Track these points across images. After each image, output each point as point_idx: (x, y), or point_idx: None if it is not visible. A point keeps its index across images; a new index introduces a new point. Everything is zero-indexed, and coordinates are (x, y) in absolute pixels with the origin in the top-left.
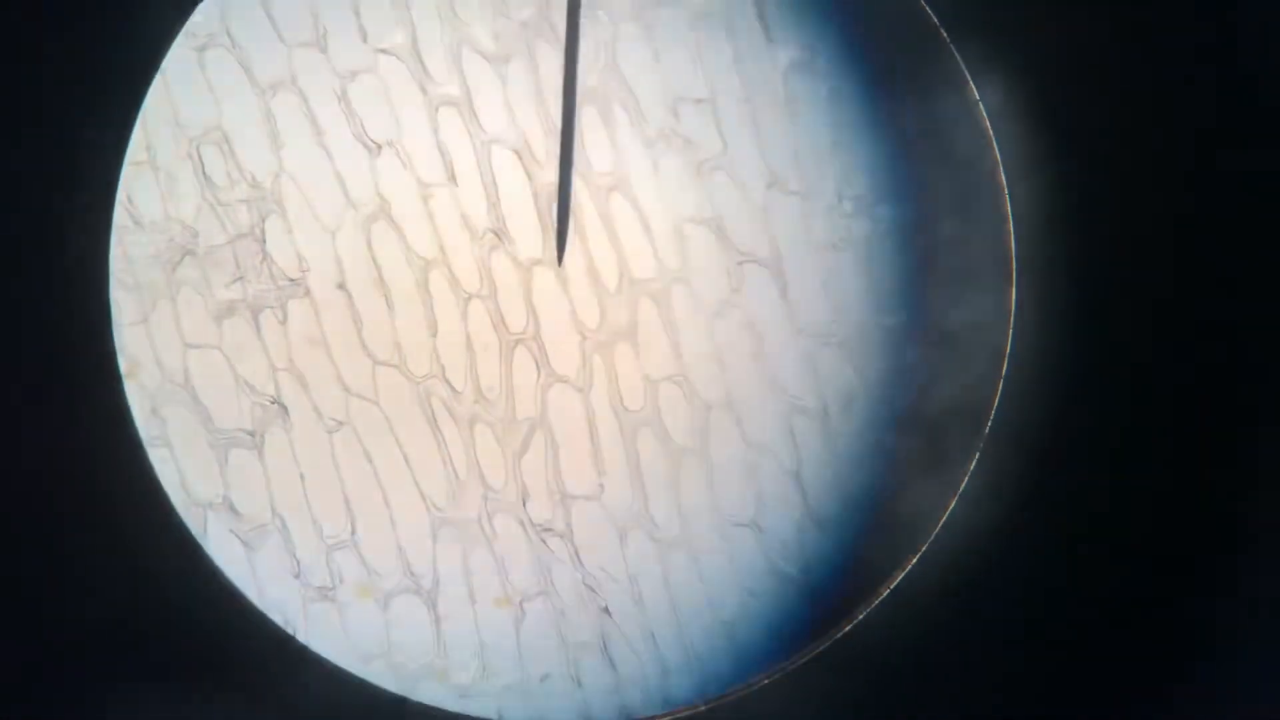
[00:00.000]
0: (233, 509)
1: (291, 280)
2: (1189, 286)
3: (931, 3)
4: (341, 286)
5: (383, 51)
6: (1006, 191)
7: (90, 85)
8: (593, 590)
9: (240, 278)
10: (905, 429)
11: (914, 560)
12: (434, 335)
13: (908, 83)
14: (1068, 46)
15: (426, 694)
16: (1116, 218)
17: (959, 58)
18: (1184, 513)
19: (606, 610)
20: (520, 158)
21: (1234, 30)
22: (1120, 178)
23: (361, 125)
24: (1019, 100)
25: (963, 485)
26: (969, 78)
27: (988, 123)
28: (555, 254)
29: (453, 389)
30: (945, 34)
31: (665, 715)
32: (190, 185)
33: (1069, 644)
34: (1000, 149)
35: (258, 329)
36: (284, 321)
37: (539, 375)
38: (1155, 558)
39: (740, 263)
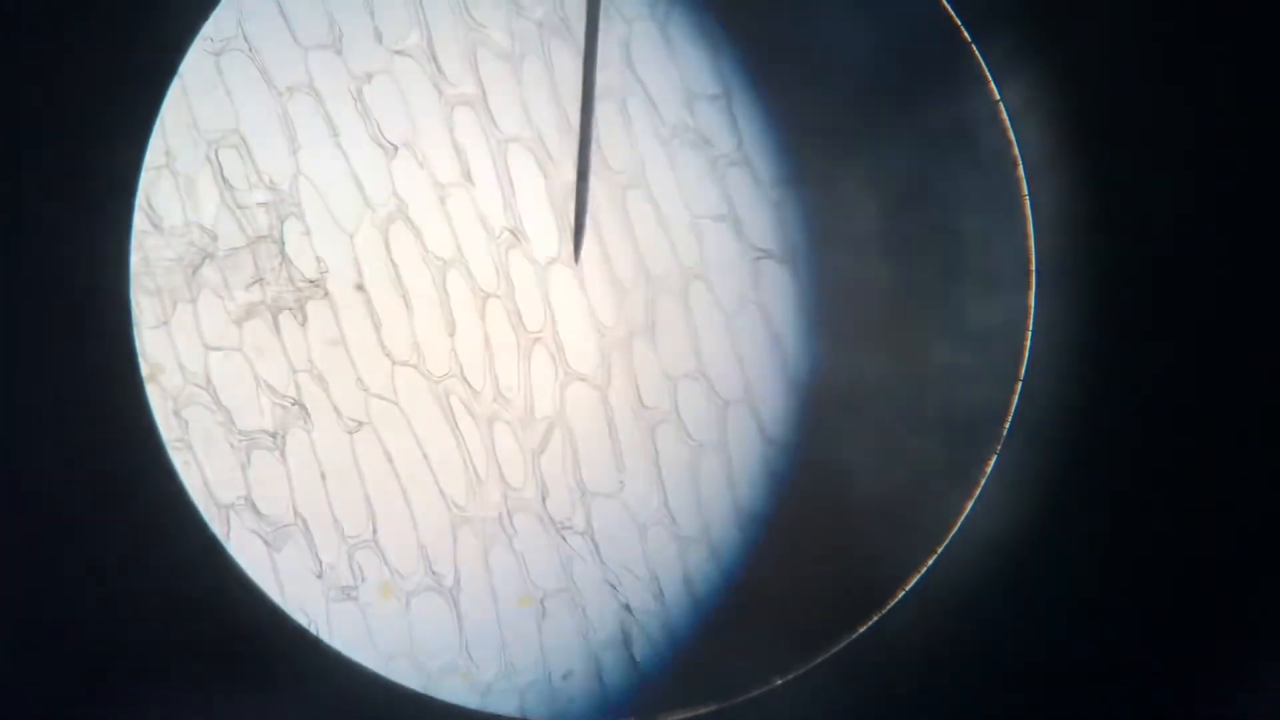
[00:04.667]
0: (255, 510)
1: (310, 282)
2: (1211, 288)
3: (953, 1)
4: (360, 287)
5: (398, 53)
6: (1027, 192)
7: (109, 91)
8: (614, 587)
9: (259, 280)
10: (923, 430)
11: (930, 563)
12: (452, 335)
13: (928, 81)
14: (1091, 44)
15: (449, 692)
16: (1137, 218)
17: (980, 56)
18: (1204, 515)
19: (627, 607)
20: (536, 156)
21: (1261, 27)
22: (1142, 178)
23: (378, 126)
24: (1041, 99)
25: (980, 488)
26: (990, 77)
27: (1009, 122)
28: (572, 252)
29: (471, 388)
30: (966, 33)
31: (684, 713)
32: (209, 189)
33: (1086, 647)
34: (1021, 148)
35: (277, 331)
36: (303, 323)
37: (557, 373)
38: (1175, 560)
39: (757, 259)
